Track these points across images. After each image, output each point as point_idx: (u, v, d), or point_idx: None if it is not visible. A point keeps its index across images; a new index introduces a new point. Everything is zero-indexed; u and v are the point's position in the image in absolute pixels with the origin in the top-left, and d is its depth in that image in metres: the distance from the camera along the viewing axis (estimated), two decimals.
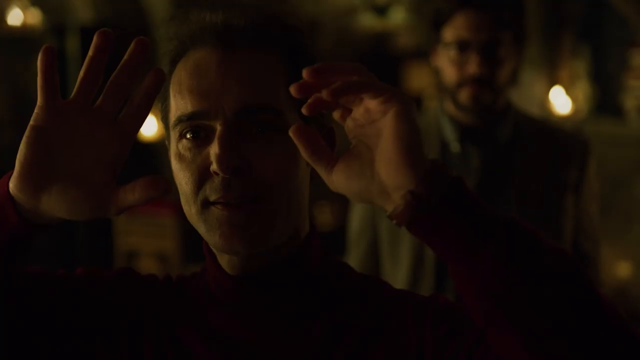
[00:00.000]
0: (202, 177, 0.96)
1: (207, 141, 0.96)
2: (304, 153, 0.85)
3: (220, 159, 0.93)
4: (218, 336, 1.01)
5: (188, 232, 4.71)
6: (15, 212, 0.90)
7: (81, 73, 0.89)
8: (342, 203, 4.48)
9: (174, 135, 0.99)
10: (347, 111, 0.86)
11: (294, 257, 1.01)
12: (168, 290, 1.07)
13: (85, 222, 5.00)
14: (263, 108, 0.96)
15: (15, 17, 5.08)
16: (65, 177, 0.88)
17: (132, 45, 0.88)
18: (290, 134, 0.85)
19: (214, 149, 0.94)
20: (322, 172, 0.86)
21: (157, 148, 4.98)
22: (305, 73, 0.82)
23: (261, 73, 0.98)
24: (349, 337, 0.99)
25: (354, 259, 2.28)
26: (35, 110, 0.89)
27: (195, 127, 0.97)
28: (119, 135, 0.90)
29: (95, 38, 0.88)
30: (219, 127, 0.95)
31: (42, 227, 0.92)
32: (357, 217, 2.30)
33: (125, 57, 0.89)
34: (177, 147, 0.98)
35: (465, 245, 0.81)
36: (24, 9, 5.10)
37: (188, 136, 0.97)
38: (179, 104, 0.98)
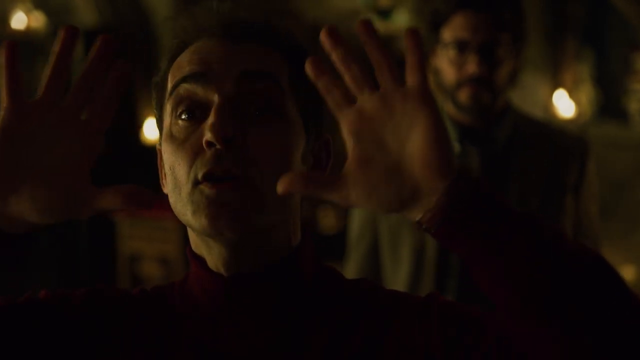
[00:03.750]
0: (195, 155, 0.93)
1: (202, 120, 0.94)
2: (302, 190, 0.83)
3: (215, 127, 0.90)
4: (203, 348, 0.97)
5: None
6: None
7: (47, 71, 0.86)
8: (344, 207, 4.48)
9: (167, 111, 0.97)
10: (345, 102, 0.84)
11: (285, 261, 0.98)
12: (145, 304, 1.02)
13: (88, 226, 5.00)
14: (266, 75, 0.95)
15: (19, 20, 5.09)
16: (34, 178, 0.86)
17: (97, 41, 0.86)
18: (280, 191, 0.83)
19: (210, 119, 0.92)
20: (332, 196, 0.83)
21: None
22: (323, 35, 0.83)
23: (263, 57, 0.97)
24: (350, 344, 0.96)
25: (355, 261, 2.28)
26: (1, 112, 0.86)
27: (190, 103, 0.95)
28: (88, 132, 0.87)
29: (60, 33, 0.86)
30: (216, 99, 0.93)
31: (12, 238, 0.88)
32: (357, 219, 2.30)
33: (91, 53, 0.87)
34: (171, 128, 0.96)
35: (496, 243, 0.81)
36: (27, 12, 5.11)
37: (183, 117, 0.95)
38: (176, 75, 0.97)
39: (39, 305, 1.00)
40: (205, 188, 0.92)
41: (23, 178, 0.86)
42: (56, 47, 0.86)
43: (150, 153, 4.91)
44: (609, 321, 0.80)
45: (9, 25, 5.08)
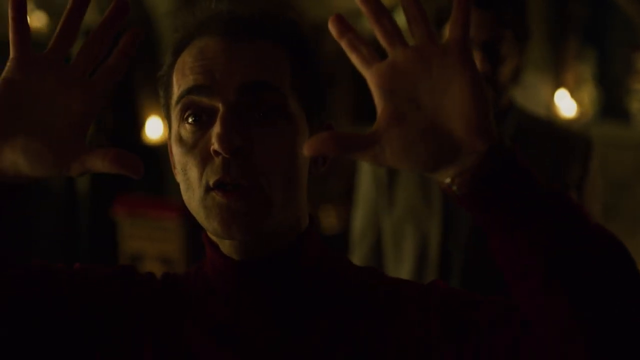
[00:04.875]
0: (204, 161, 0.96)
1: (209, 124, 0.96)
2: (334, 151, 0.80)
3: (221, 138, 0.93)
4: (218, 329, 1.01)
5: (192, 236, 4.71)
6: None
7: (58, 28, 0.88)
8: (346, 206, 4.48)
9: (175, 115, 0.99)
10: (373, 58, 0.82)
11: (293, 246, 1.01)
12: (166, 287, 1.07)
13: (89, 225, 5.00)
14: (266, 86, 0.96)
15: None
16: (30, 129, 0.87)
17: (112, 4, 0.88)
18: (307, 153, 0.80)
19: (216, 129, 0.94)
20: (364, 156, 0.80)
21: (163, 151, 4.98)
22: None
23: (265, 59, 0.98)
24: (353, 328, 0.99)
25: (357, 258, 2.28)
26: (8, 63, 0.88)
27: (197, 109, 0.97)
28: (90, 94, 0.89)
29: None
30: (221, 108, 0.95)
31: (5, 192, 0.90)
32: (360, 217, 2.31)
33: (104, 16, 0.89)
34: (179, 131, 0.98)
35: (524, 214, 0.80)
36: (29, 12, 5.11)
37: (190, 120, 0.97)
38: (180, 83, 0.98)
39: (72, 275, 1.05)
40: (217, 196, 0.95)
41: (20, 128, 0.87)
42: (69, 4, 0.88)
43: (152, 153, 4.87)
44: (620, 299, 0.80)
45: None
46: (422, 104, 0.80)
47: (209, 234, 1.03)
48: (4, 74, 0.89)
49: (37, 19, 5.16)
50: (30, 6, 5.61)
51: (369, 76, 0.82)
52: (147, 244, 4.74)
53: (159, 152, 4.96)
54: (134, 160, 0.85)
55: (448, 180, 0.81)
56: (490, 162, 0.79)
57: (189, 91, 0.97)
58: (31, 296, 1.00)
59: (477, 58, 2.02)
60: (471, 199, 0.82)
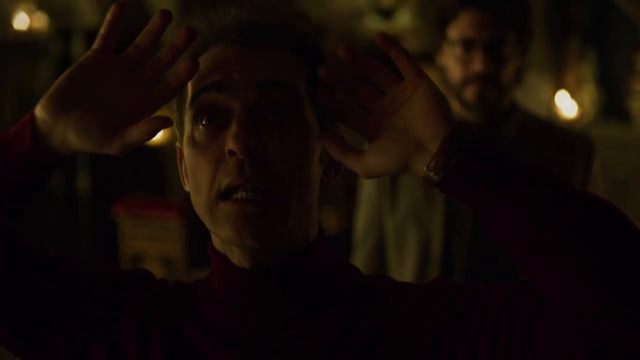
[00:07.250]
0: (217, 163, 0.95)
1: (224, 126, 0.96)
2: (334, 152, 0.96)
3: (238, 137, 0.92)
4: (227, 335, 1.00)
5: (193, 236, 4.71)
6: (31, 135, 0.96)
7: (138, 38, 0.97)
8: (346, 207, 4.48)
9: (188, 118, 0.99)
10: (364, 119, 0.96)
11: (302, 255, 1.01)
12: (177, 294, 1.07)
13: (90, 226, 5.00)
14: (283, 85, 0.97)
15: (22, 21, 5.10)
16: (86, 107, 0.95)
17: (182, 29, 0.96)
18: (319, 139, 0.96)
19: (232, 129, 0.94)
20: (353, 163, 0.94)
21: (164, 152, 4.98)
22: (341, 52, 0.93)
23: (282, 64, 0.99)
24: (358, 334, 0.99)
25: (360, 258, 2.28)
26: (88, 52, 0.96)
27: (212, 110, 0.97)
28: (146, 103, 0.96)
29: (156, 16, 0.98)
30: (238, 108, 0.95)
31: (50, 159, 0.97)
32: (363, 216, 2.31)
33: (175, 37, 0.96)
34: (192, 133, 0.98)
35: (507, 184, 0.87)
36: (30, 13, 5.12)
37: (204, 122, 0.97)
38: (195, 83, 0.98)
39: (89, 269, 1.06)
40: (227, 206, 0.95)
41: (77, 105, 0.95)
42: (157, 18, 0.97)
43: (154, 153, 4.87)
44: (613, 245, 0.86)
45: (11, 26, 5.08)
46: (393, 122, 0.94)
47: (214, 244, 1.03)
48: (80, 59, 0.96)
49: (37, 20, 5.16)
50: (30, 7, 5.59)
51: (363, 136, 0.96)
52: (148, 244, 4.74)
53: (160, 152, 4.96)
54: (161, 119, 0.93)
55: (425, 169, 0.90)
56: (455, 141, 0.88)
57: (205, 89, 0.97)
58: (40, 278, 1.01)
59: (480, 59, 2.02)
60: (450, 182, 0.89)
